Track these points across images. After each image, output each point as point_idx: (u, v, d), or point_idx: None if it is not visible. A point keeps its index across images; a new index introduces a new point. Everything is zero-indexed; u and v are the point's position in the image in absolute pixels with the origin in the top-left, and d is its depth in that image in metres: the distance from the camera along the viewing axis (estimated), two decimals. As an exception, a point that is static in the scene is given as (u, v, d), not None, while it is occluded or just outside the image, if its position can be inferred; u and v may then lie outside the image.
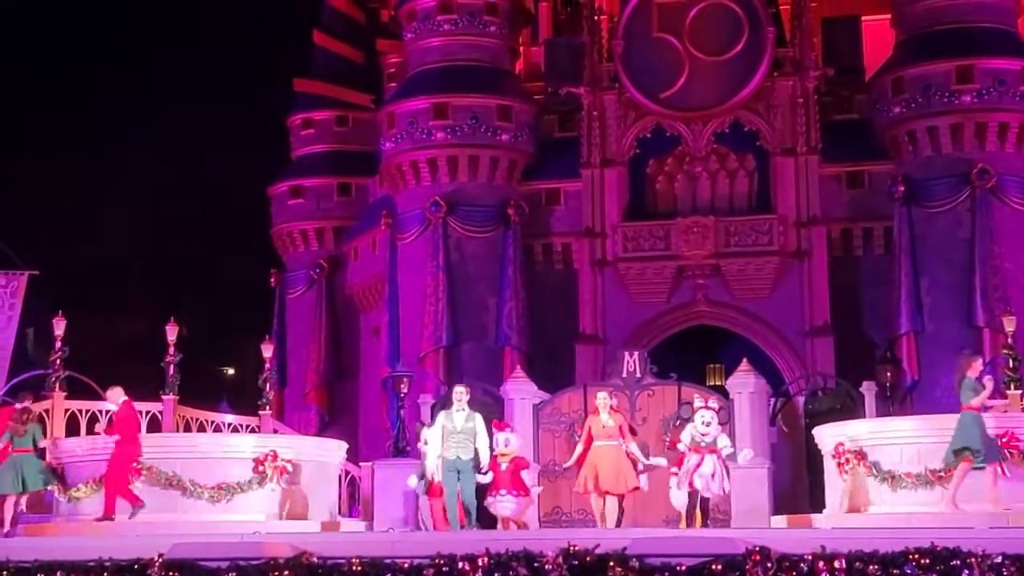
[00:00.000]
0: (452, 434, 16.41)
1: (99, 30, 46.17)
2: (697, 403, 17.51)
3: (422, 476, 17.60)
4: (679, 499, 17.20)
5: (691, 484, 16.98)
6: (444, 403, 23.27)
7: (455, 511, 16.35)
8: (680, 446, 17.31)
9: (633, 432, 17.64)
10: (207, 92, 41.24)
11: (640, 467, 17.27)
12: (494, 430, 18.16)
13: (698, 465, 16.90)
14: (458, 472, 16.33)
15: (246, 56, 44.55)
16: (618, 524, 16.91)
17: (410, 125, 34.34)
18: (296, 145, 40.81)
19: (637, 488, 17.21)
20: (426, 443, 17.22)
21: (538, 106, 35.36)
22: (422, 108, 34.29)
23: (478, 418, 16.74)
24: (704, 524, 17.07)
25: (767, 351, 32.72)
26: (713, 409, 17.32)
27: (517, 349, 32.81)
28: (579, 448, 17.35)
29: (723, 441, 17.34)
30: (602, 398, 17.26)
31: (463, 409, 16.59)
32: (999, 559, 11.12)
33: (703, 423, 17.07)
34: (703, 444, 17.01)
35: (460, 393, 16.80)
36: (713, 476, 16.90)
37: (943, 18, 32.57)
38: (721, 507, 20.05)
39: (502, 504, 17.81)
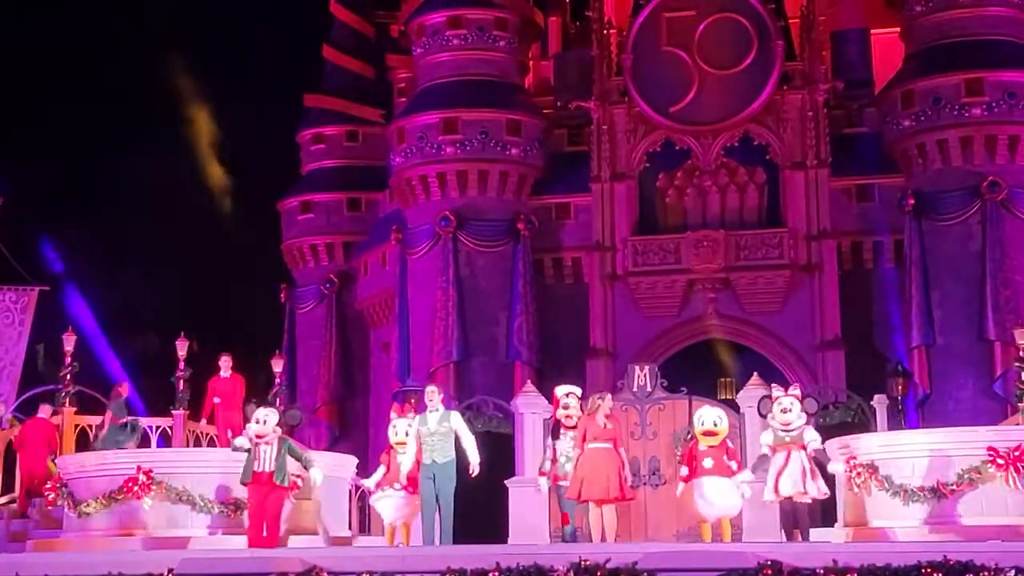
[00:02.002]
0: (427, 437, 15.52)
1: (101, 38, 46.35)
2: (776, 392, 15.52)
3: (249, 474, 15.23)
4: (713, 505, 15.29)
5: (777, 491, 15.02)
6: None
7: (432, 521, 15.56)
8: (762, 448, 15.47)
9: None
10: (216, 106, 41.36)
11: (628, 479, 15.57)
12: (393, 415, 17.05)
13: (784, 466, 14.93)
14: (434, 476, 15.49)
15: (256, 71, 44.64)
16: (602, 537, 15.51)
17: (420, 140, 34.38)
18: (306, 160, 40.88)
19: (628, 499, 15.75)
20: (258, 421, 15.22)
21: (548, 120, 35.39)
22: (432, 123, 34.33)
23: (455, 416, 15.87)
24: (805, 538, 15.26)
25: (778, 365, 32.66)
26: (795, 396, 15.31)
27: (528, 363, 32.79)
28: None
29: (811, 435, 15.20)
30: (602, 397, 15.65)
31: (437, 410, 15.73)
32: (1012, 573, 11.08)
33: (782, 411, 15.02)
34: (787, 439, 14.96)
35: (432, 393, 15.90)
36: (804, 476, 14.88)
37: (952, 31, 32.56)
38: (733, 521, 19.93)
39: (389, 502, 16.29)
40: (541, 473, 16.82)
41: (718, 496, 15.47)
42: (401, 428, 16.61)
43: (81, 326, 26.25)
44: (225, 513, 16.17)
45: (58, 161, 43.38)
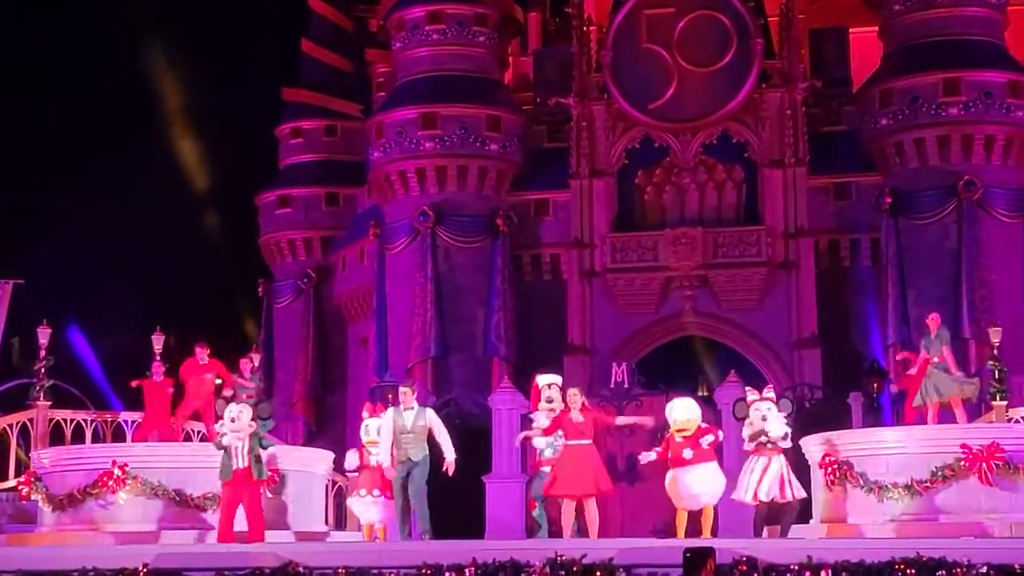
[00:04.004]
0: (403, 433, 15.59)
1: (101, 38, 46.13)
2: (751, 396, 15.51)
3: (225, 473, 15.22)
4: (689, 491, 15.24)
5: (756, 496, 15.15)
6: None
7: (406, 519, 15.67)
8: (748, 446, 15.43)
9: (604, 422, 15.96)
10: (195, 100, 41.22)
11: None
12: (365, 415, 17.19)
13: (763, 473, 15.07)
14: (409, 472, 15.57)
15: (234, 65, 44.46)
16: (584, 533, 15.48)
17: (398, 135, 34.33)
18: (284, 155, 40.75)
19: (610, 491, 15.84)
20: (233, 419, 15.25)
21: (527, 116, 35.38)
22: (411, 118, 34.28)
23: (430, 413, 15.95)
24: (785, 535, 15.21)
25: (754, 362, 32.74)
26: (771, 399, 15.35)
27: (505, 360, 32.77)
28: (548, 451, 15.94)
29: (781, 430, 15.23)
30: (572, 394, 15.55)
31: (412, 408, 15.76)
32: (984, 569, 11.16)
33: (761, 418, 15.09)
34: (767, 445, 15.11)
35: (405, 393, 15.91)
36: (783, 484, 15.01)
37: (930, 31, 32.69)
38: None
39: (367, 505, 16.52)
40: (526, 439, 16.77)
41: (701, 484, 15.43)
42: (373, 427, 16.66)
43: (57, 320, 26.07)
44: (200, 508, 16.15)
45: (34, 154, 43.20)
